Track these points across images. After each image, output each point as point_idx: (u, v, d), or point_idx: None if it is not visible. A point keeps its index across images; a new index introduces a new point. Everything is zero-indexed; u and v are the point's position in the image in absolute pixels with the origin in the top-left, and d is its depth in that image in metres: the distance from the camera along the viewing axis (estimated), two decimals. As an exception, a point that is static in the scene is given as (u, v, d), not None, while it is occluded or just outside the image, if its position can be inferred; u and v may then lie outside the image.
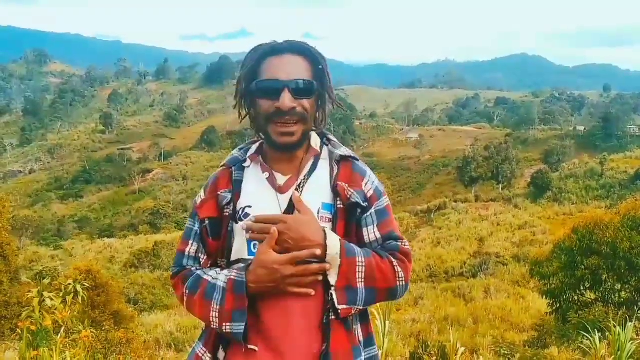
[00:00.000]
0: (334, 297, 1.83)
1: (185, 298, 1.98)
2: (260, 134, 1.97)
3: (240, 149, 2.08)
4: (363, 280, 1.85)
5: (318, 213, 1.88)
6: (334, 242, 1.82)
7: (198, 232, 2.02)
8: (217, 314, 1.85)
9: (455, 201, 68.23)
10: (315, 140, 2.01)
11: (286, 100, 1.83)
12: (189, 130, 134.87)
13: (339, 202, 1.90)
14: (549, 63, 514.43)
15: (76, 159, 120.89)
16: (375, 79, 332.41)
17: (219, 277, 1.90)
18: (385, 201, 2.01)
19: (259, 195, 1.93)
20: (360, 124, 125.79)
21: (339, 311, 1.83)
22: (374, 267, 1.87)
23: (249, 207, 1.93)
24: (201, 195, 2.04)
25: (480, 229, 52.92)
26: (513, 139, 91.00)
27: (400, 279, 1.90)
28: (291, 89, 1.84)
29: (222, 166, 2.06)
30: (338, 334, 1.87)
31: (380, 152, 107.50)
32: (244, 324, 1.81)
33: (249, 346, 1.85)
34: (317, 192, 1.92)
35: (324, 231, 1.83)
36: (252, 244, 1.89)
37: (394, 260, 1.90)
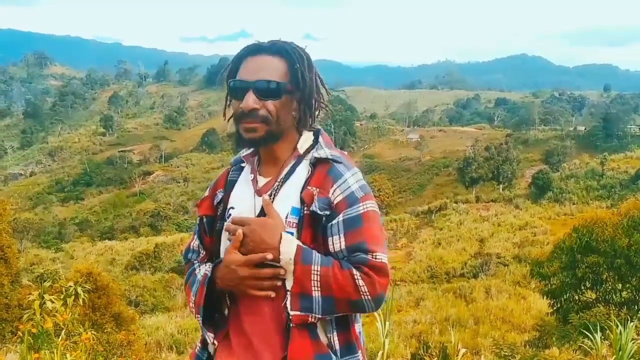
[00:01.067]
0: (288, 302, 1.81)
1: (184, 288, 2.10)
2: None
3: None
4: (319, 288, 1.80)
5: (286, 218, 1.86)
6: (289, 248, 1.80)
7: (197, 228, 2.08)
8: (193, 305, 1.96)
9: (456, 202, 68.26)
10: (305, 141, 1.98)
11: (249, 101, 1.83)
12: (190, 132, 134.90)
13: (305, 208, 1.86)
14: (549, 63, 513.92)
15: (77, 161, 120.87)
16: (375, 80, 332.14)
17: (201, 271, 1.98)
18: (360, 209, 1.87)
19: (241, 197, 1.97)
20: (361, 125, 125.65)
21: (291, 317, 1.81)
22: (330, 277, 1.80)
23: (232, 208, 1.97)
24: (205, 193, 2.09)
25: (481, 229, 52.94)
26: (513, 140, 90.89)
27: (364, 293, 1.80)
28: (255, 89, 1.83)
29: (229, 164, 2.11)
30: (299, 341, 1.83)
31: (381, 153, 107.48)
32: (204, 316, 1.95)
33: (208, 336, 1.96)
34: (289, 196, 1.89)
35: (281, 235, 1.81)
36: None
37: (355, 272, 1.80)
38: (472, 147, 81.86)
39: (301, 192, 1.87)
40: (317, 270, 1.79)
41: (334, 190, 1.86)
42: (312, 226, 1.86)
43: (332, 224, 1.85)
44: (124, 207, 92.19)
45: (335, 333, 1.90)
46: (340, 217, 1.85)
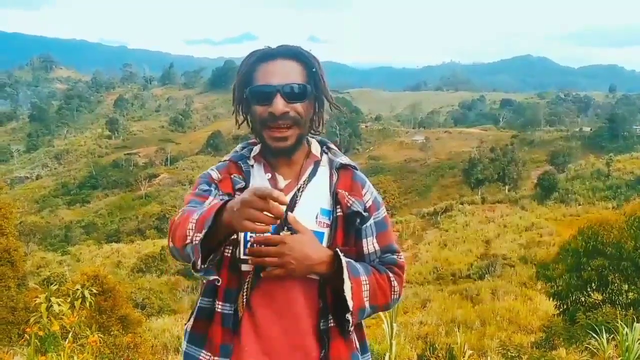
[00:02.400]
0: (350, 320, 1.82)
1: (172, 225, 1.84)
2: (258, 139, 1.98)
3: (243, 147, 2.07)
4: (368, 298, 1.86)
5: (316, 218, 1.89)
6: (341, 262, 1.81)
7: (218, 195, 1.93)
8: (194, 224, 1.69)
9: (462, 203, 68.10)
10: (315, 147, 2.02)
11: (279, 104, 1.83)
12: (195, 135, 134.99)
13: (338, 210, 1.90)
14: (554, 64, 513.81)
15: (83, 164, 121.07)
16: (380, 82, 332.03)
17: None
18: (383, 212, 2.02)
19: None
20: (366, 127, 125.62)
21: (331, 324, 1.86)
22: (375, 285, 1.88)
23: None
24: (215, 173, 2.00)
25: (486, 230, 52.85)
26: (519, 141, 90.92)
27: (395, 293, 1.94)
28: (283, 93, 1.84)
29: (226, 160, 2.05)
30: (337, 341, 1.88)
31: (386, 155, 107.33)
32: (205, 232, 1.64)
33: (211, 277, 1.76)
34: (316, 197, 1.91)
35: (332, 251, 1.83)
36: (249, 244, 1.87)
37: (391, 274, 1.93)
38: (477, 148, 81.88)
39: (333, 194, 1.92)
40: (366, 281, 1.86)
41: (365, 194, 1.98)
42: (345, 228, 1.92)
43: (366, 227, 1.97)
44: (130, 209, 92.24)
45: (354, 332, 1.96)
46: (372, 220, 1.98)
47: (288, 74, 1.86)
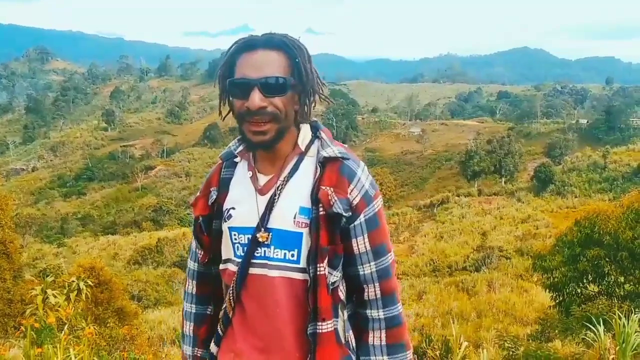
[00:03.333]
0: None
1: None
2: (239, 132, 1.91)
3: (238, 140, 2.01)
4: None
5: (294, 217, 1.82)
6: None
7: (194, 228, 2.02)
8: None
9: (458, 195, 68.25)
10: (304, 136, 1.93)
11: (255, 99, 1.75)
12: (191, 127, 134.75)
13: (320, 209, 1.80)
14: (551, 56, 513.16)
15: (79, 156, 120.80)
16: (377, 74, 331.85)
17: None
18: (376, 206, 1.88)
19: (241, 196, 1.90)
20: (363, 119, 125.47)
21: (321, 330, 1.84)
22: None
23: (233, 208, 1.90)
24: (198, 192, 2.02)
25: (483, 222, 52.98)
26: (515, 133, 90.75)
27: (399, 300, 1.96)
28: (261, 87, 1.76)
29: (219, 159, 2.03)
30: (327, 345, 1.83)
31: (383, 147, 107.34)
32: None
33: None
34: (295, 195, 1.84)
35: None
36: (236, 245, 1.87)
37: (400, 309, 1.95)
38: (474, 140, 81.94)
39: (314, 192, 1.81)
40: None
41: (352, 191, 1.83)
42: (329, 227, 1.81)
43: (354, 226, 1.84)
44: (126, 201, 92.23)
45: (350, 332, 1.92)
46: (362, 218, 1.84)
47: (267, 66, 1.78)
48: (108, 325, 10.91)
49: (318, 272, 1.79)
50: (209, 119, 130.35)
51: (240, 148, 1.97)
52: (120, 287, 13.65)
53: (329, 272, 1.81)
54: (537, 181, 67.47)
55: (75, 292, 5.89)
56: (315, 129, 1.96)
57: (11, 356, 7.00)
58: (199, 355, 2.08)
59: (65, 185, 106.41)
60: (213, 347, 1.99)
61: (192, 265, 2.10)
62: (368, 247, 1.85)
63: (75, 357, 5.04)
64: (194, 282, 2.09)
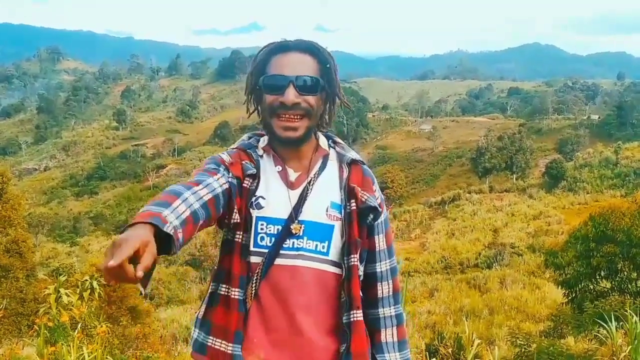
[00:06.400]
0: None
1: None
2: (266, 129, 1.94)
3: (250, 137, 2.03)
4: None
5: (326, 211, 1.89)
6: None
7: (227, 176, 1.83)
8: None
9: (470, 192, 68.13)
10: (323, 141, 2.02)
11: (290, 94, 1.82)
12: (202, 126, 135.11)
13: (352, 204, 1.91)
14: (562, 52, 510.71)
15: (90, 155, 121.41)
16: (387, 71, 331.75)
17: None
18: (386, 211, 2.05)
19: (272, 188, 1.91)
20: (373, 116, 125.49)
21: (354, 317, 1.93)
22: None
23: (262, 198, 1.89)
24: (225, 156, 1.91)
25: (494, 219, 52.89)
26: (527, 129, 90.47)
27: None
28: (296, 84, 1.83)
29: (234, 148, 1.99)
30: (362, 333, 1.92)
31: (394, 144, 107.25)
32: None
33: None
34: (326, 191, 1.92)
35: None
36: (260, 235, 1.86)
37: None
38: (485, 137, 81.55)
39: (345, 188, 1.92)
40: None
41: (376, 191, 1.99)
42: (359, 222, 1.92)
43: (378, 223, 1.99)
44: (138, 200, 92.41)
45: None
46: (382, 217, 2.00)
47: (301, 66, 1.86)
48: (121, 323, 10.95)
49: (352, 263, 1.89)
50: (220, 117, 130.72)
51: (265, 143, 2.00)
52: (132, 286, 13.70)
53: (360, 264, 1.93)
54: (548, 177, 67.24)
55: (88, 291, 5.93)
56: (328, 137, 2.06)
57: (25, 355, 7.03)
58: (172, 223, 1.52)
59: (77, 185, 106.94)
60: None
61: (211, 181, 1.78)
62: (384, 246, 2.01)
63: (89, 356, 5.06)
64: (209, 194, 1.73)
